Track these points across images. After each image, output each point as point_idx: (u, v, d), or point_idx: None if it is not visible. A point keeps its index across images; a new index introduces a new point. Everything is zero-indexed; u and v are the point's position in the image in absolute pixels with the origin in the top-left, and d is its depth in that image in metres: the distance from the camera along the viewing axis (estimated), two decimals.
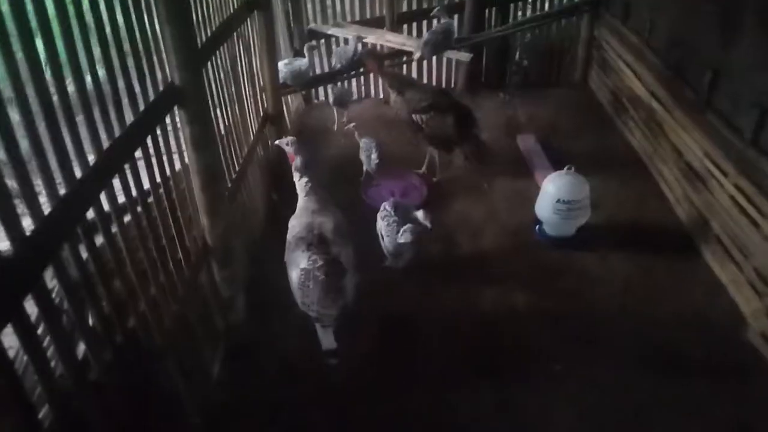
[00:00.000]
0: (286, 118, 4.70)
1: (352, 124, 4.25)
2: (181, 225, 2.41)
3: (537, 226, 3.55)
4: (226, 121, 3.12)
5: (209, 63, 2.83)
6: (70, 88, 1.62)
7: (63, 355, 1.49)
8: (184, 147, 2.45)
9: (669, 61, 3.85)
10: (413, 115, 3.95)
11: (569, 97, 5.35)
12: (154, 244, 2.15)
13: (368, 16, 5.24)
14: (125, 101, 1.96)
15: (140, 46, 2.08)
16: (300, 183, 2.82)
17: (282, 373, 2.75)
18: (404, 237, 2.97)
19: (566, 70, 5.64)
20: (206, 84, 2.73)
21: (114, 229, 1.87)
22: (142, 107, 2.06)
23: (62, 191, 1.55)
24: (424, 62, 5.35)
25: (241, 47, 3.50)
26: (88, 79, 1.75)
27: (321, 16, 5.23)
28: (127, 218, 2.01)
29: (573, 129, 4.78)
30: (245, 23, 3.54)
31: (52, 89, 1.53)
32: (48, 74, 1.51)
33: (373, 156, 4.00)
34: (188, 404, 2.33)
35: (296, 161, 2.83)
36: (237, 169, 3.24)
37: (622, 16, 4.66)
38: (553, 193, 3.30)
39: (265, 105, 4.03)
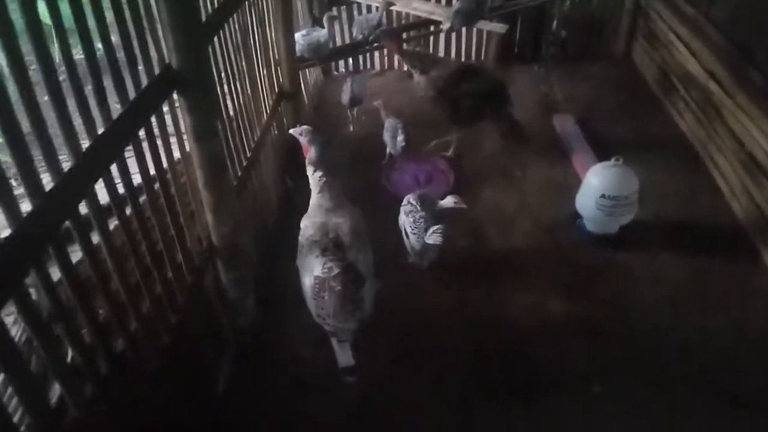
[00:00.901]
0: (304, 94, 4.38)
1: (377, 102, 3.92)
2: (182, 225, 2.15)
3: (576, 221, 3.22)
4: (235, 102, 2.83)
5: (216, 37, 2.53)
6: (36, 75, 1.35)
7: (30, 406, 1.26)
8: (184, 135, 2.18)
9: (733, 37, 3.41)
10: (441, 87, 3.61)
11: (610, 73, 4.91)
12: (149, 249, 1.90)
13: None
14: (111, 89, 1.68)
15: (130, 22, 1.78)
16: (314, 177, 2.53)
17: (293, 383, 2.52)
18: (433, 238, 2.68)
19: (607, 42, 5.17)
20: (212, 63, 2.44)
21: (96, 239, 1.62)
22: (132, 95, 1.78)
23: (27, 207, 1.29)
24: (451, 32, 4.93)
25: (255, 17, 3.17)
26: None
27: None
28: (114, 222, 1.76)
29: (615, 109, 4.37)
30: None
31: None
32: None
33: (399, 138, 3.68)
34: (191, 421, 2.12)
35: (310, 153, 2.53)
36: (248, 155, 2.96)
37: None
38: (597, 186, 2.96)
39: (281, 80, 3.72)
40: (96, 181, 1.56)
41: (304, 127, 2.60)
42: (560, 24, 5.12)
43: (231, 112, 2.79)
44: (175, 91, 2.01)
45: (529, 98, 4.59)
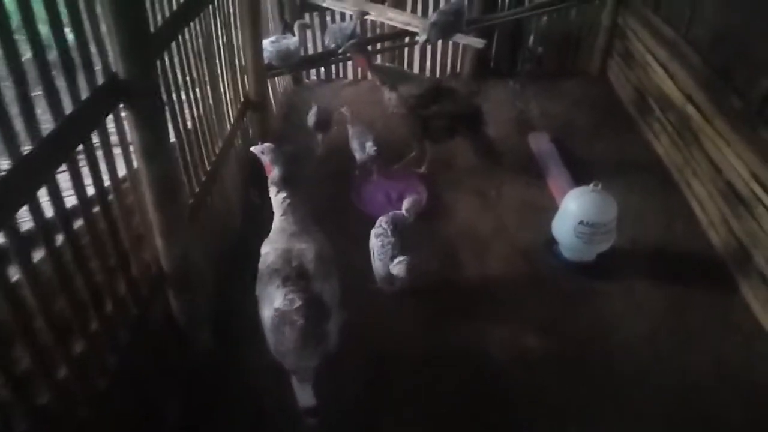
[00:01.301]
0: (272, 103, 4.18)
1: (344, 108, 3.75)
2: (126, 251, 1.94)
3: (553, 247, 3.10)
4: (195, 112, 2.62)
5: (174, 43, 2.33)
6: None
7: None
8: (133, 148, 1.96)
9: (712, 60, 3.36)
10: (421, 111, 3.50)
11: (586, 91, 4.85)
12: (85, 281, 1.68)
13: None
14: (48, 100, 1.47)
15: (69, 26, 1.57)
16: (277, 199, 2.34)
17: (253, 416, 2.32)
18: (397, 269, 2.54)
19: (583, 59, 5.12)
20: (168, 71, 2.24)
21: (17, 274, 1.40)
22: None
23: None
24: (426, 45, 4.80)
25: (219, 22, 2.97)
26: None
27: None
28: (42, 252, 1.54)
29: (590, 128, 4.30)
30: None
31: None
32: None
33: (369, 143, 3.52)
34: None
35: (273, 173, 2.35)
36: (207, 169, 2.75)
37: (654, 4, 4.14)
38: (575, 212, 2.85)
39: (247, 89, 3.51)
40: (18, 209, 1.34)
41: (266, 144, 2.42)
42: (537, 39, 5.06)
43: (189, 124, 2.59)
44: (122, 104, 1.80)
45: (505, 114, 4.49)
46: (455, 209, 3.50)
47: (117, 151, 1.88)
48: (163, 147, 1.90)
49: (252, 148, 2.46)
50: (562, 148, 3.96)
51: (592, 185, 2.86)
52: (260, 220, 2.81)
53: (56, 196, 1.53)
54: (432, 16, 4.04)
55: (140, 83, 1.76)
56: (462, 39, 4.05)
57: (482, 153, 3.73)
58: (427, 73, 5.09)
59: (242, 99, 3.46)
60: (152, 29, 1.98)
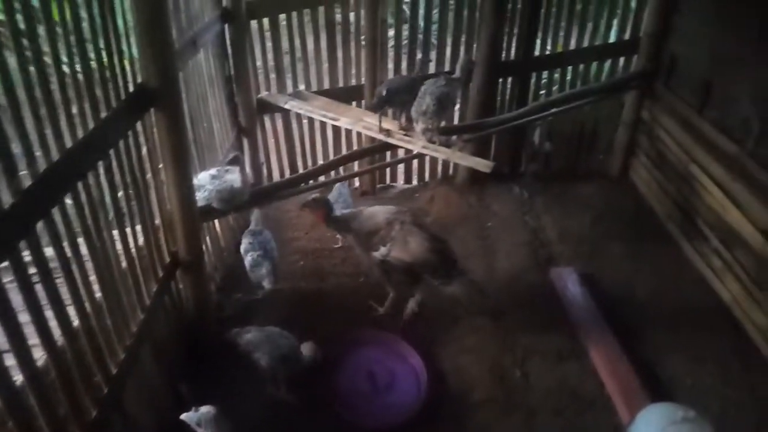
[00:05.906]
0: (220, 237, 3.21)
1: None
2: None
3: None
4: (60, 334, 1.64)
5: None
6: None
7: None
8: None
9: None
10: (373, 254, 2.75)
11: (608, 198, 3.98)
12: None
13: (341, 84, 3.82)
14: None
15: None
16: None
17: None
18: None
19: (599, 158, 4.29)
20: None
21: None
22: None
23: None
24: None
25: (120, 176, 2.03)
26: None
27: (277, 83, 3.79)
28: None
29: (624, 255, 3.41)
30: (128, 135, 2.07)
31: None
32: None
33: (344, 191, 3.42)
34: None
35: None
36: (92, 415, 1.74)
37: (698, 101, 3.23)
38: None
39: (173, 245, 2.53)
40: None
41: (202, 411, 1.53)
42: (543, 134, 4.23)
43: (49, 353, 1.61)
44: None
45: (514, 236, 3.61)
46: (466, 405, 2.51)
47: None
48: None
49: (183, 417, 1.55)
50: (596, 291, 3.05)
51: (681, 413, 1.89)
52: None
53: None
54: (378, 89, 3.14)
55: None
56: (462, 159, 3.17)
57: (471, 302, 2.80)
58: (414, 181, 4.23)
59: (168, 260, 2.49)
60: None
